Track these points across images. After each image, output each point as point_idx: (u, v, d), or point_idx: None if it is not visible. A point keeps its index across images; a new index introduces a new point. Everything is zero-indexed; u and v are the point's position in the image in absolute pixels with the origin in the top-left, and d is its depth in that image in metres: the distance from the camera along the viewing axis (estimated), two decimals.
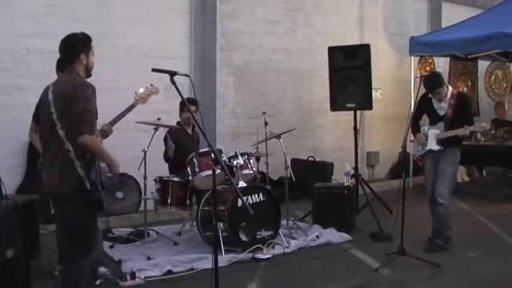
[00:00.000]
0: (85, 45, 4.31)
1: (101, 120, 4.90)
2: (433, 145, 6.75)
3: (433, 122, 6.86)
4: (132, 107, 5.54)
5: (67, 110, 4.01)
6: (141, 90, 5.74)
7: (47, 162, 4.20)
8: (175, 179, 7.01)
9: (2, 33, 7.60)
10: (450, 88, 6.80)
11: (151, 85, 5.78)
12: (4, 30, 7.60)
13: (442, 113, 6.74)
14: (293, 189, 8.31)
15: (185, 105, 5.86)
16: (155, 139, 7.06)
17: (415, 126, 6.94)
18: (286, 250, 6.73)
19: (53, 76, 4.85)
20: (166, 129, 7.38)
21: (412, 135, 7.01)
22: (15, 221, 4.88)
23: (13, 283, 4.68)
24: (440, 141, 6.69)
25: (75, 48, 4.25)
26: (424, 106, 6.85)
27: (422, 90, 6.82)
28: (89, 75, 4.36)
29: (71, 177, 4.02)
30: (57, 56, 4.45)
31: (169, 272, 5.87)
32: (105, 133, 5.28)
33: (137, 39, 9.08)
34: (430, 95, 6.79)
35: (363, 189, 8.92)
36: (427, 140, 6.79)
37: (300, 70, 11.35)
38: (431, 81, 6.70)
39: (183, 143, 7.50)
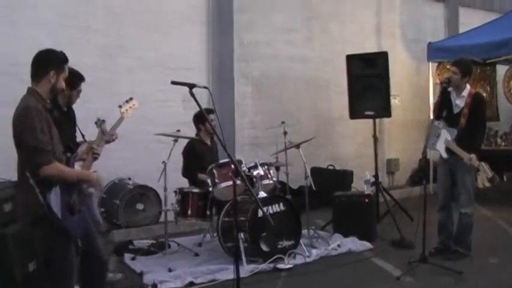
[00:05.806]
0: (59, 63, 3.95)
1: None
2: (442, 150, 6.55)
3: (447, 120, 6.63)
4: (121, 120, 5.34)
5: (19, 140, 3.75)
6: (123, 105, 5.46)
7: (17, 187, 3.98)
8: (196, 190, 7.03)
9: (16, 44, 7.63)
10: (468, 86, 6.62)
11: (131, 99, 5.51)
12: (18, 41, 7.64)
13: (456, 110, 6.57)
14: (313, 198, 8.29)
15: (204, 116, 5.81)
16: (175, 151, 7.08)
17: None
18: (308, 260, 6.71)
19: None
20: (186, 140, 7.41)
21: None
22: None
23: None
24: (449, 151, 6.48)
25: (46, 62, 3.91)
26: (442, 98, 6.59)
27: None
28: (54, 98, 4.06)
29: (32, 204, 3.70)
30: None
31: (191, 283, 5.89)
32: (107, 142, 5.20)
33: (154, 50, 9.10)
34: (449, 89, 6.62)
35: (384, 197, 8.88)
36: (439, 137, 6.58)
37: (318, 78, 11.34)
38: (465, 59, 6.73)
39: (202, 154, 7.52)
